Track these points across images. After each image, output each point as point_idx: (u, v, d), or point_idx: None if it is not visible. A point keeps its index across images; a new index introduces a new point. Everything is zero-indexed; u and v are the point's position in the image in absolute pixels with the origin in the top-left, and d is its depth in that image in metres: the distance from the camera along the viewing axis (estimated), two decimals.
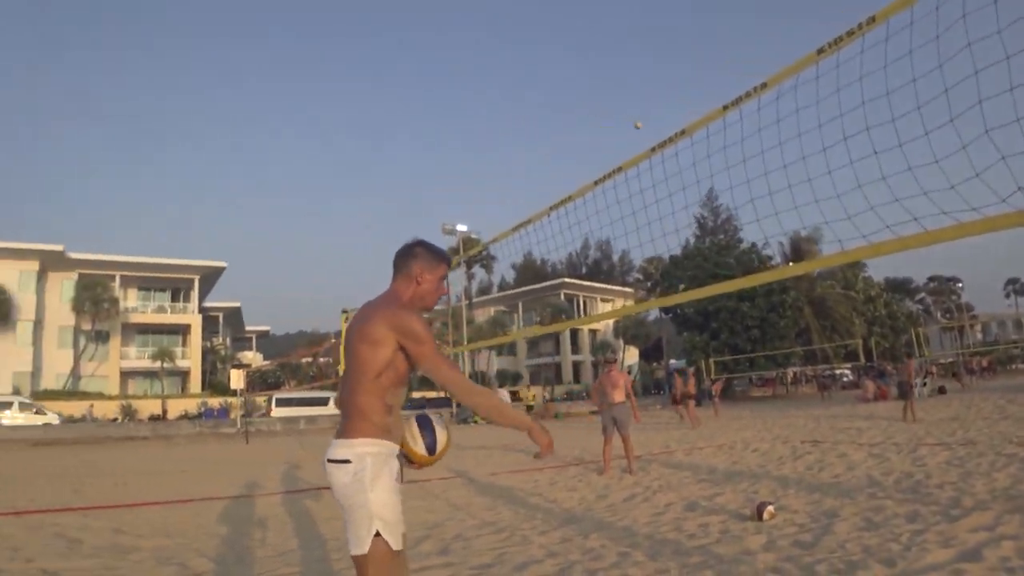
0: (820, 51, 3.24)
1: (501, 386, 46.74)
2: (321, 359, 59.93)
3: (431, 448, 2.73)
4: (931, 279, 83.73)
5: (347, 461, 2.59)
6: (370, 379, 2.64)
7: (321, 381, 47.05)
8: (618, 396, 11.01)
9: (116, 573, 5.57)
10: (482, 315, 69.72)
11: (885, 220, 3.01)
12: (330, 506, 8.60)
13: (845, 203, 3.25)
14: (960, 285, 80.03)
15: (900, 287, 72.37)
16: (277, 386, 59.54)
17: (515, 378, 62.53)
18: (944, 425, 14.98)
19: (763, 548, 5.37)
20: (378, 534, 2.52)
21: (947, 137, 2.82)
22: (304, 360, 62.84)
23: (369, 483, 2.56)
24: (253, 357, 71.07)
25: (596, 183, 4.98)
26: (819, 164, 3.42)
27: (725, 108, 3.75)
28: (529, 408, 32.13)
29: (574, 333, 69.65)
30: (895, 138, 3.02)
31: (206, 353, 59.46)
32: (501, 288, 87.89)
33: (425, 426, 2.73)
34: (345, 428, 2.69)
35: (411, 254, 2.87)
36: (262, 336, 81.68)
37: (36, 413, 36.97)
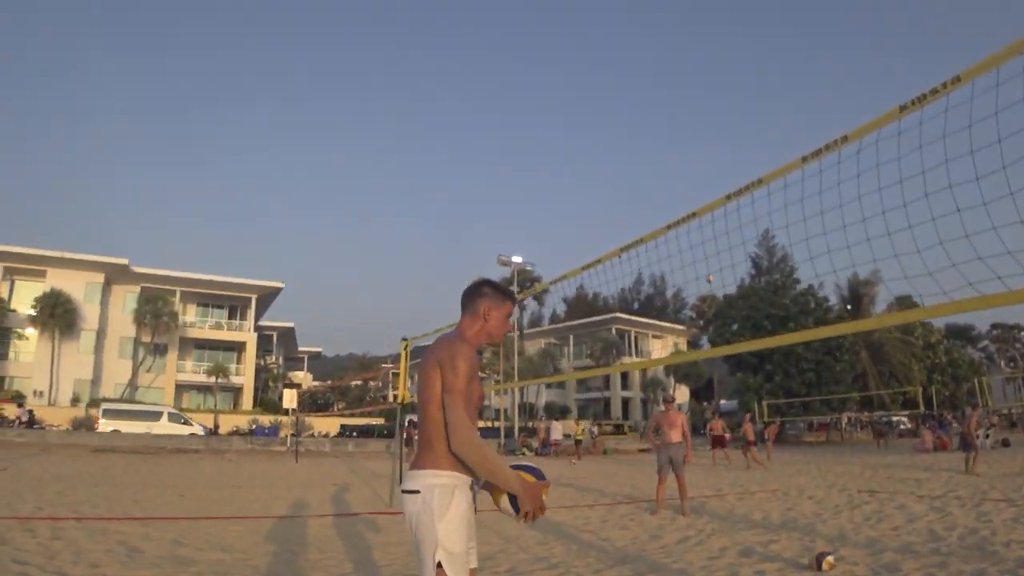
0: (903, 108, 3.27)
1: (552, 419, 46.39)
2: (371, 383, 60.50)
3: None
4: (994, 326, 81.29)
5: (416, 492, 2.68)
6: (435, 408, 2.72)
7: (373, 407, 47.49)
8: (675, 436, 10.96)
9: None
10: (532, 347, 69.69)
11: (968, 277, 3.01)
12: (384, 532, 8.71)
13: (925, 259, 3.26)
14: None
15: (961, 334, 70.44)
16: (327, 407, 60.25)
17: (563, 411, 62.20)
18: (1009, 480, 14.49)
19: None
20: (440, 565, 2.58)
21: None
22: (354, 383, 63.46)
23: (438, 514, 2.62)
24: (304, 377, 72.05)
25: (669, 227, 5.02)
26: (899, 219, 3.43)
27: (804, 159, 3.78)
28: (578, 442, 31.89)
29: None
30: (979, 196, 3.03)
31: (259, 371, 60.48)
32: (552, 320, 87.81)
33: (530, 471, 2.80)
34: (416, 459, 2.79)
35: (479, 293, 3.00)
36: (314, 357, 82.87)
37: (183, 423, 38.58)
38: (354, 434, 44.24)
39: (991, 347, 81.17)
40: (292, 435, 33.57)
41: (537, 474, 2.80)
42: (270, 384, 61.50)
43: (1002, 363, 75.13)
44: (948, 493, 12.57)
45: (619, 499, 12.84)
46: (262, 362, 61.93)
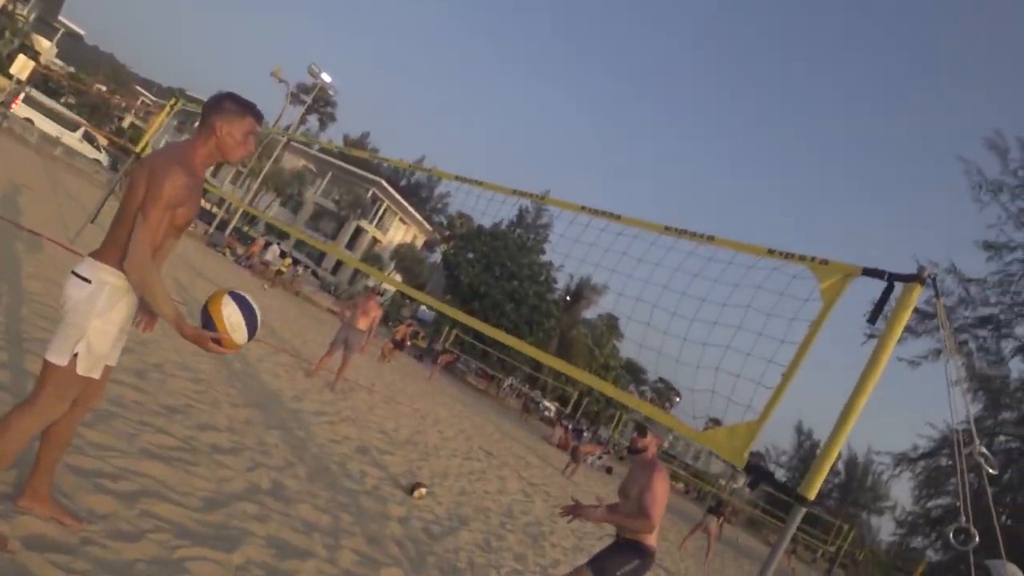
0: (667, 228, 3.96)
1: (273, 241, 45.46)
2: (117, 99, 55.34)
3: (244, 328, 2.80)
4: (660, 379, 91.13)
5: (88, 281, 2.66)
6: (131, 216, 2.67)
7: (105, 131, 43.75)
8: (362, 324, 11.57)
9: None
10: (290, 162, 67.52)
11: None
12: (55, 266, 8.47)
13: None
14: (678, 400, 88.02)
15: (636, 372, 78.19)
16: (58, 94, 54.30)
17: (282, 236, 61.18)
18: (591, 498, 16.71)
19: (398, 520, 6.09)
20: (76, 355, 2.65)
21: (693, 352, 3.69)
22: (98, 88, 57.64)
23: (99, 310, 2.66)
24: (49, 51, 64.00)
25: (457, 178, 5.47)
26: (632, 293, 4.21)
27: (583, 208, 4.41)
28: (279, 273, 31.70)
29: (358, 231, 69.12)
30: (664, 321, 3.85)
31: (1, 12, 52.83)
32: (322, 149, 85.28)
33: (243, 307, 2.80)
34: (100, 249, 2.74)
35: (217, 107, 2.84)
36: (72, 36, 73.52)
37: (93, 147, 36.44)
38: None
39: (650, 393, 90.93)
40: (1, 103, 30.12)
41: (249, 315, 2.79)
42: (7, 35, 54.04)
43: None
44: (543, 484, 14.38)
45: (286, 347, 13.25)
46: (10, 7, 54.16)
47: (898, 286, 3.06)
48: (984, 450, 2.84)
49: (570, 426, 38.78)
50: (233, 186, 46.96)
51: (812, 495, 2.94)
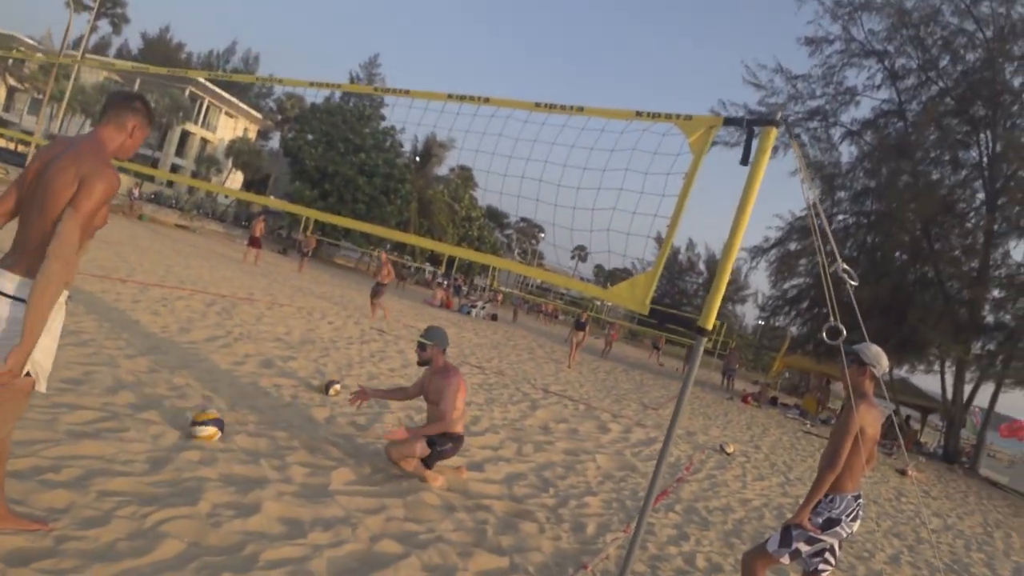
0: (537, 104, 4.10)
1: None
2: None
3: None
4: (523, 219, 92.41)
5: (20, 300, 2.57)
6: (56, 218, 2.59)
7: None
8: None
9: None
10: (91, 76, 61.91)
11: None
12: None
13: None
14: (542, 235, 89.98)
15: (497, 217, 78.97)
16: None
17: None
18: (485, 351, 17.25)
19: (326, 420, 6.32)
20: (28, 374, 2.62)
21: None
22: None
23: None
24: None
25: (345, 88, 5.36)
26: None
27: (449, 96, 4.48)
28: None
29: (185, 135, 65.01)
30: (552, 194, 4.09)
31: None
32: (121, 55, 78.27)
33: None
34: (22, 262, 2.63)
35: (131, 107, 2.90)
36: None
37: None
38: None
39: (514, 235, 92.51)
40: None
41: None
42: None
43: (516, 252, 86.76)
44: None
45: (154, 280, 12.79)
46: None
47: (756, 129, 3.37)
48: (846, 266, 3.28)
49: (446, 283, 39.40)
50: (35, 116, 42.94)
51: (710, 325, 3.35)
